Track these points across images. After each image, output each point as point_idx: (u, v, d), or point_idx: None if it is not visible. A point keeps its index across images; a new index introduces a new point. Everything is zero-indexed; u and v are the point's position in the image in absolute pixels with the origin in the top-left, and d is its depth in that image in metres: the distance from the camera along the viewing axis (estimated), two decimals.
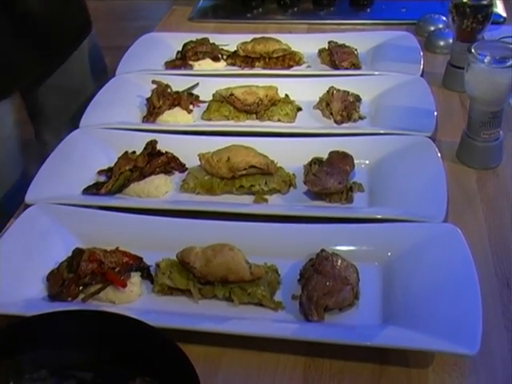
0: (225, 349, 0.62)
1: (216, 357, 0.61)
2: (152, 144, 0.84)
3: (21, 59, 0.97)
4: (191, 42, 1.13)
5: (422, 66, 1.05)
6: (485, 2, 0.97)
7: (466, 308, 0.60)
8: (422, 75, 1.04)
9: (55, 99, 1.11)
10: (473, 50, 0.80)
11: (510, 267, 0.70)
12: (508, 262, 0.71)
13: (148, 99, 0.99)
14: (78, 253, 0.69)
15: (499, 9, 1.31)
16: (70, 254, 0.70)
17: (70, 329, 0.54)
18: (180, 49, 1.14)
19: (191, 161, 0.85)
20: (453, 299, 0.62)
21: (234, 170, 0.79)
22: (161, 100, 0.96)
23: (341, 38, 1.13)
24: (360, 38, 1.15)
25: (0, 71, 0.94)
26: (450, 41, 1.10)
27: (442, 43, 1.16)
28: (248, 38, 1.14)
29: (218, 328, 0.61)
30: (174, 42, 1.19)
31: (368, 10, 1.37)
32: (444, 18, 1.22)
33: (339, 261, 0.66)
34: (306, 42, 1.15)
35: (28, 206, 0.78)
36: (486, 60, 0.79)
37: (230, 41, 1.16)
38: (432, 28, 1.22)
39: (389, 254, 0.69)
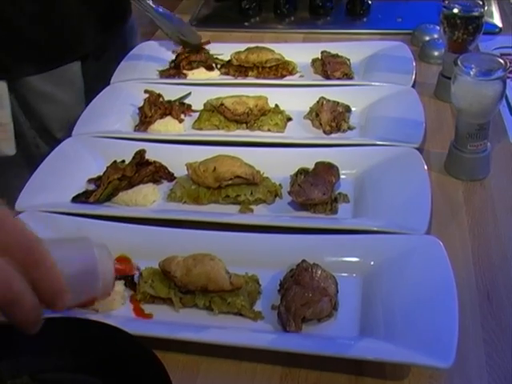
0: (203, 357, 0.62)
1: (194, 365, 0.62)
2: (140, 153, 0.85)
3: (85, 26, 1.06)
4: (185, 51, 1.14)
5: (413, 77, 1.05)
6: (476, 14, 0.97)
7: (443, 321, 0.60)
8: (414, 86, 1.04)
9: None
10: (459, 63, 0.81)
11: (491, 279, 0.70)
12: (490, 274, 0.71)
13: (140, 108, 1.00)
14: None
15: (495, 19, 1.31)
16: None
17: (51, 335, 0.55)
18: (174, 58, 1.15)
19: (181, 170, 0.86)
20: (430, 312, 0.62)
21: (219, 180, 0.80)
22: (152, 109, 0.97)
23: (334, 48, 1.13)
24: (353, 48, 1.15)
25: (68, 35, 1.03)
26: None
27: (435, 53, 1.16)
28: (244, 47, 1.15)
29: (197, 337, 0.62)
30: (170, 50, 1.20)
31: (364, 19, 1.37)
32: (439, 28, 1.22)
33: (319, 272, 0.66)
34: (300, 52, 1.16)
35: (18, 213, 0.80)
36: (471, 72, 0.79)
37: (226, 50, 1.17)
38: (427, 38, 1.22)
39: (370, 265, 0.69)
